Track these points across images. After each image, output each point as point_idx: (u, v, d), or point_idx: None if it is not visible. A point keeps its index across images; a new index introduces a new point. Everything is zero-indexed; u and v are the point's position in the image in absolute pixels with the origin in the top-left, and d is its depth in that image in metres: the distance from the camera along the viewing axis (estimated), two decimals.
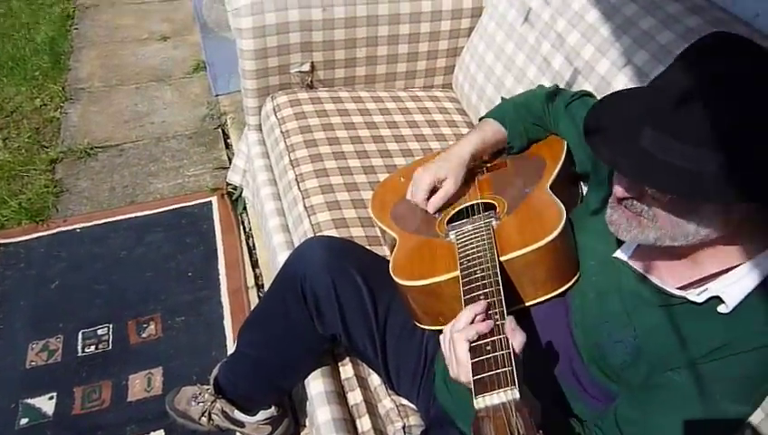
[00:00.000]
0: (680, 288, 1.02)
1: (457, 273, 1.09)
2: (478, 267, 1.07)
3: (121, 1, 3.73)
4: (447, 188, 1.35)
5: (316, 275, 1.28)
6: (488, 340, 0.92)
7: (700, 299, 0.97)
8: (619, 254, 1.10)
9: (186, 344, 1.91)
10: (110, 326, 1.96)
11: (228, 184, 2.42)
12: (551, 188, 1.26)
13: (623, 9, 1.53)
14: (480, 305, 0.97)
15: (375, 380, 1.39)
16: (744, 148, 0.86)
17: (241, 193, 2.37)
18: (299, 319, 1.31)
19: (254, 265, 2.19)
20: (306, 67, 1.99)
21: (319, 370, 1.42)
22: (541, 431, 0.78)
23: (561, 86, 1.55)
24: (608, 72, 1.50)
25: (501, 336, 0.92)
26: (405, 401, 1.35)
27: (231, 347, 1.90)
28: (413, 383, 1.32)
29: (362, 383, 1.40)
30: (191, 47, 3.33)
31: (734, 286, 0.96)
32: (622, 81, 1.45)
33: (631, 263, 1.08)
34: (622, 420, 1.02)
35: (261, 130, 2.09)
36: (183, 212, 2.37)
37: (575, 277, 1.15)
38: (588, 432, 1.07)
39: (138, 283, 2.09)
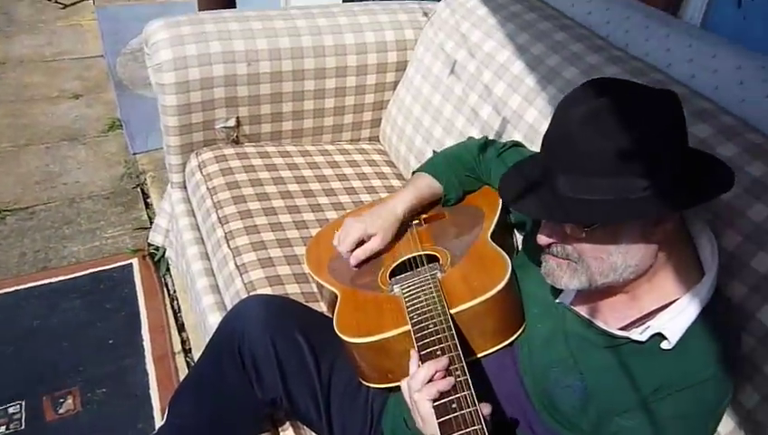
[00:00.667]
0: (622, 328, 1.03)
1: (408, 327, 1.07)
2: (430, 321, 1.05)
3: (30, 59, 3.59)
4: (373, 245, 1.34)
5: (255, 334, 1.22)
6: (452, 397, 0.91)
7: (643, 338, 0.99)
8: (562, 298, 1.11)
9: (109, 418, 1.78)
10: (23, 403, 1.80)
11: (150, 245, 2.31)
12: (491, 237, 1.26)
13: (546, 60, 1.58)
14: (441, 362, 0.96)
15: None
16: (638, 168, 0.92)
17: (164, 254, 2.27)
18: (236, 383, 1.25)
19: (180, 328, 2.08)
20: (231, 122, 1.95)
21: None
22: None
23: (491, 136, 1.57)
24: (535, 120, 1.53)
25: (465, 393, 0.91)
26: None
27: (159, 419, 1.78)
28: None
29: None
30: (106, 105, 3.23)
31: (674, 322, 0.98)
32: None
33: (574, 307, 1.09)
34: None
35: (185, 187, 2.02)
36: (101, 276, 2.24)
37: (523, 326, 1.14)
38: None
39: (53, 354, 1.94)
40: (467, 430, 0.85)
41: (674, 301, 1.00)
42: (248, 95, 1.93)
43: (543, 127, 1.49)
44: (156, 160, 2.80)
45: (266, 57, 1.90)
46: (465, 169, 1.41)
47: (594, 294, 1.07)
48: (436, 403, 0.91)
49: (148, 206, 2.60)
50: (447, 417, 0.88)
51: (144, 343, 2.00)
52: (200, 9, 2.61)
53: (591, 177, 0.93)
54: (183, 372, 1.92)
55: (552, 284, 1.04)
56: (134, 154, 2.87)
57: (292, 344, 1.23)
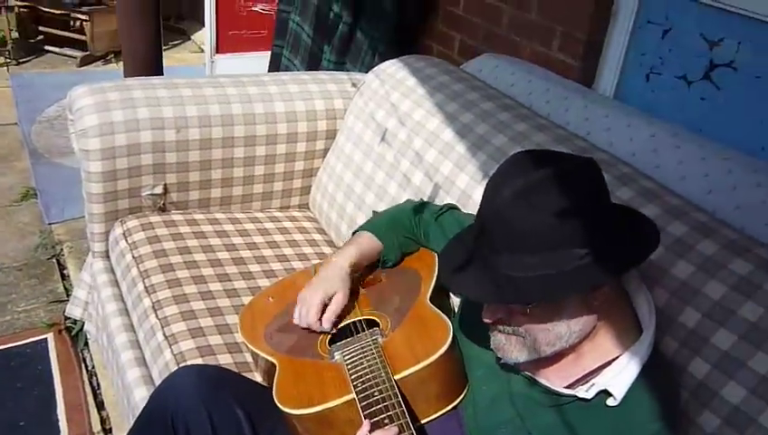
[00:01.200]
0: (568, 386, 1.05)
1: (352, 396, 1.05)
2: (375, 389, 1.03)
3: None
4: (338, 303, 1.30)
5: (189, 406, 1.16)
6: None
7: (589, 395, 1.00)
8: (505, 359, 1.11)
9: None
10: None
11: (67, 318, 2.20)
12: (429, 300, 1.27)
13: (476, 128, 1.64)
14: (391, 432, 0.94)
15: None
16: (571, 241, 0.95)
17: (82, 328, 2.15)
18: None
19: (100, 406, 1.97)
20: (159, 190, 1.91)
21: None
22: None
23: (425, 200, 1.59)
24: (467, 185, 1.57)
25: None
26: None
27: None
28: None
29: None
30: (19, 174, 3.10)
31: (618, 378, 1.00)
32: (481, 193, 1.52)
33: (519, 367, 1.10)
34: None
35: (108, 257, 1.94)
36: (12, 353, 2.10)
37: (466, 389, 1.14)
38: None
39: None
40: None
41: (615, 358, 1.03)
42: (176, 162, 1.90)
43: (476, 192, 1.55)
44: (73, 230, 2.69)
45: (196, 124, 1.89)
46: (404, 231, 1.42)
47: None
48: None
49: (64, 277, 2.48)
50: None
51: (60, 424, 1.87)
52: (126, 76, 2.58)
53: (528, 254, 0.95)
54: None
55: (502, 357, 1.06)
56: (50, 224, 2.76)
57: (229, 416, 1.18)
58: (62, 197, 2.86)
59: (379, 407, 1.00)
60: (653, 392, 1.00)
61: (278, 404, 1.11)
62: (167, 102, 1.86)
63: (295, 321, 1.31)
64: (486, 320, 1.03)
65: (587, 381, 1.03)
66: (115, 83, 1.88)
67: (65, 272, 2.52)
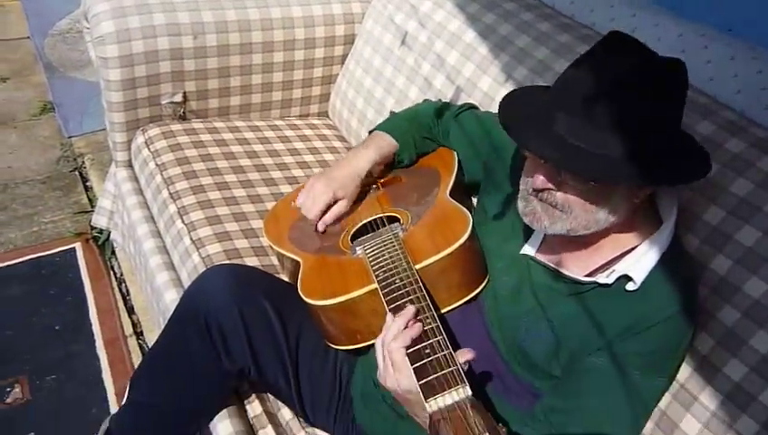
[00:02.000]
0: (588, 275, 1.06)
1: (374, 286, 1.07)
2: (396, 277, 1.06)
3: None
4: (341, 208, 1.33)
5: (221, 304, 1.20)
6: (425, 343, 0.92)
7: (609, 280, 1.02)
8: (526, 250, 1.13)
9: (60, 405, 1.72)
10: None
11: (93, 228, 2.24)
12: (450, 195, 1.28)
13: (498, 29, 1.60)
14: (409, 312, 0.97)
15: (286, 414, 1.32)
16: (649, 135, 0.94)
17: (108, 237, 2.20)
18: (204, 356, 1.22)
19: (130, 311, 2.03)
20: (178, 98, 1.90)
21: (224, 410, 1.32)
22: (500, 424, 0.76)
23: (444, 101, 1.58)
24: (490, 87, 1.55)
25: (438, 338, 0.93)
26: (320, 432, 1.29)
27: (114, 403, 1.74)
28: (329, 410, 1.27)
29: (272, 420, 1.32)
30: (35, 88, 3.10)
31: (638, 264, 1.02)
32: (503, 94, 1.50)
33: (539, 257, 1.11)
34: (548, 410, 1.05)
35: (131, 166, 1.96)
36: (42, 262, 2.16)
37: (486, 279, 1.16)
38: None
39: None
40: (443, 372, 0.86)
41: (634, 247, 1.04)
42: (195, 69, 1.88)
43: (499, 94, 1.52)
44: (93, 143, 2.71)
45: (213, 30, 1.86)
46: (422, 130, 1.41)
47: (560, 243, 1.10)
48: (409, 350, 0.92)
49: (87, 189, 2.52)
50: (422, 362, 0.89)
51: (93, 328, 1.94)
52: None
53: (613, 133, 0.93)
54: (136, 355, 1.88)
55: (528, 223, 1.05)
56: (69, 137, 2.77)
57: (259, 312, 1.22)
58: (80, 110, 2.86)
59: (400, 293, 1.02)
60: (671, 279, 1.01)
61: (303, 297, 1.14)
62: (182, 8, 1.83)
63: (298, 202, 1.36)
64: (537, 185, 1.00)
65: (606, 269, 1.05)
66: None
67: (88, 184, 2.55)
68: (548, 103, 0.99)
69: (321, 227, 1.32)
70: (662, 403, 1.16)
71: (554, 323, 1.06)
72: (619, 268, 1.02)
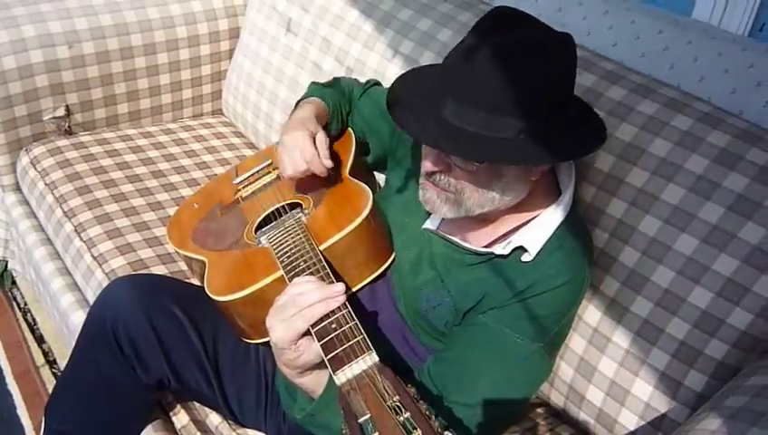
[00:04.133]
0: (486, 246, 1.08)
1: (281, 273, 1.06)
2: (300, 260, 1.05)
3: None
4: (323, 140, 1.20)
5: (129, 316, 1.15)
6: (331, 318, 0.91)
7: (505, 251, 1.04)
8: (427, 224, 1.14)
9: None
10: None
11: None
12: (351, 174, 1.27)
13: (380, 5, 1.60)
14: (337, 287, 0.95)
15: (215, 419, 1.29)
16: (537, 111, 0.93)
17: (6, 267, 2.08)
18: (118, 372, 1.17)
19: (40, 341, 1.94)
20: (61, 112, 1.81)
21: (150, 426, 1.28)
22: (409, 385, 0.77)
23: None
24: (378, 64, 1.55)
25: (343, 312, 0.92)
26: (252, 432, 1.26)
27: None
28: (258, 408, 1.24)
29: (201, 427, 1.29)
30: None
31: (534, 235, 1.04)
32: (393, 71, 1.52)
33: (440, 231, 1.13)
34: (437, 361, 1.07)
35: (19, 189, 1.86)
36: None
37: (393, 254, 1.17)
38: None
39: None
40: (349, 343, 0.86)
41: (532, 218, 1.06)
42: (75, 80, 1.80)
43: (389, 71, 1.53)
44: None
45: (89, 37, 1.78)
46: (343, 100, 1.36)
47: (459, 219, 1.11)
48: (314, 329, 0.91)
49: None
50: (328, 337, 0.88)
51: (0, 363, 1.84)
52: None
53: (496, 114, 0.92)
54: (51, 384, 1.79)
55: (430, 211, 1.06)
56: None
57: (170, 319, 1.18)
58: None
59: (305, 275, 1.01)
60: (563, 249, 1.04)
61: (210, 295, 1.12)
62: (53, 17, 1.75)
63: (287, 172, 1.20)
64: (426, 169, 1.00)
65: (503, 240, 1.07)
66: None
67: None
68: (436, 87, 0.98)
69: (329, 163, 1.19)
70: (578, 349, 1.20)
71: (452, 292, 1.08)
72: (515, 240, 1.04)
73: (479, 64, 0.92)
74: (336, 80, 1.44)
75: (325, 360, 0.86)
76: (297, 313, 0.92)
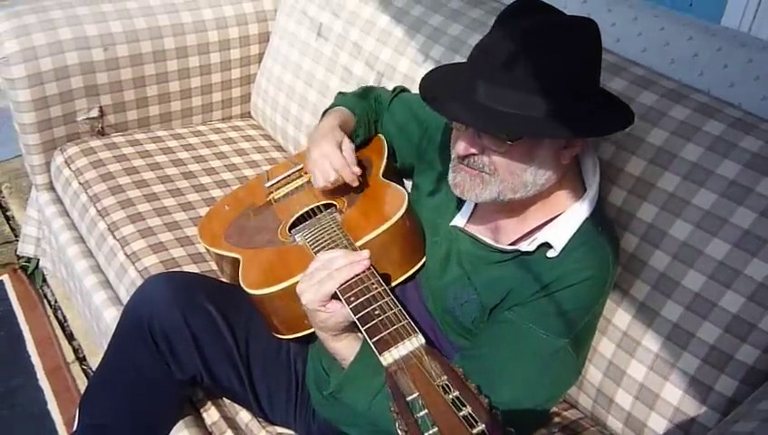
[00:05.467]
0: (512, 243, 1.09)
1: None
2: None
3: None
4: (349, 148, 1.25)
5: (164, 313, 1.18)
6: (375, 305, 0.94)
7: (531, 248, 1.05)
8: (456, 221, 1.16)
9: None
10: None
11: (20, 257, 2.16)
12: (383, 176, 1.29)
13: (411, 11, 1.62)
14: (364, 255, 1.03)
15: (244, 416, 1.30)
16: (567, 90, 0.96)
17: (37, 265, 2.12)
18: (153, 368, 1.20)
19: (70, 338, 1.97)
20: (95, 113, 1.85)
21: (181, 421, 1.30)
22: (457, 365, 0.78)
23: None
24: (409, 69, 1.57)
25: (386, 299, 0.95)
26: (282, 429, 1.28)
27: (63, 433, 1.68)
28: (288, 406, 1.26)
29: (231, 424, 1.31)
30: None
31: (559, 232, 1.05)
32: (422, 74, 1.52)
33: (467, 228, 1.14)
34: (463, 358, 1.08)
35: (53, 188, 1.89)
36: None
37: (425, 256, 1.19)
38: None
39: None
40: (394, 327, 0.89)
41: (558, 214, 1.07)
42: (108, 82, 1.83)
43: (418, 75, 1.54)
44: (9, 171, 2.60)
45: (123, 40, 1.82)
46: (371, 109, 1.40)
47: (488, 213, 1.13)
48: (360, 314, 0.95)
49: (9, 219, 2.41)
50: (373, 322, 0.92)
51: (32, 359, 1.87)
52: None
53: (527, 92, 0.94)
54: (81, 381, 1.82)
55: (459, 195, 1.07)
56: None
57: (204, 316, 1.20)
58: None
59: None
60: (588, 244, 1.05)
61: (246, 289, 1.13)
62: (89, 20, 1.78)
63: (319, 183, 1.25)
64: (460, 151, 1.01)
65: (529, 237, 1.08)
66: (30, 6, 1.78)
67: (9, 214, 2.44)
68: (467, 74, 1.00)
69: (357, 170, 1.22)
70: (607, 352, 1.21)
71: (479, 289, 1.09)
72: (541, 236, 1.05)
73: (505, 45, 0.94)
74: (363, 89, 1.47)
75: (370, 343, 0.89)
76: (326, 275, 1.01)
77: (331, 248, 1.09)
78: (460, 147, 1.01)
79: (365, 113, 1.38)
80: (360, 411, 1.05)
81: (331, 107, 1.41)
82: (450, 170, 1.07)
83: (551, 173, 1.03)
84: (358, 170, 1.23)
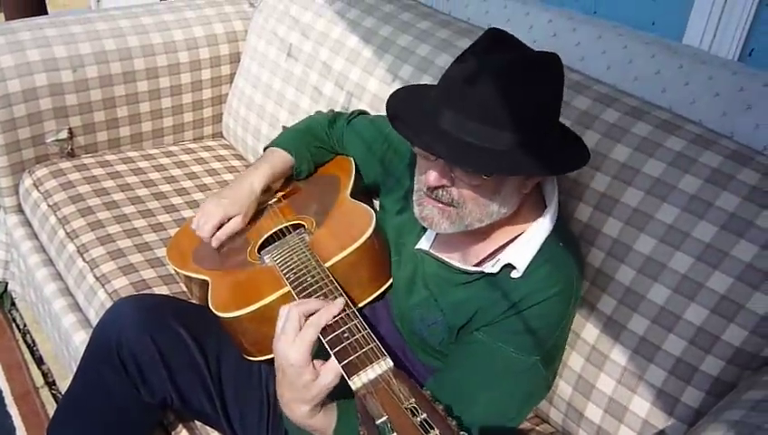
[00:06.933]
0: (477, 264, 1.10)
1: (287, 289, 1.08)
2: (308, 275, 1.07)
3: None
4: (234, 225, 1.33)
5: (133, 336, 1.17)
6: (343, 328, 0.94)
7: (495, 269, 1.06)
8: (421, 244, 1.16)
9: None
10: None
11: None
12: (351, 196, 1.30)
13: (380, 31, 1.64)
14: (338, 304, 0.99)
15: None
16: (536, 125, 0.98)
17: (5, 288, 2.09)
18: (122, 391, 1.18)
19: (39, 362, 1.94)
20: (64, 134, 1.84)
21: None
22: (424, 388, 0.78)
23: (337, 109, 1.60)
24: (378, 89, 1.58)
25: (355, 321, 0.96)
26: None
27: None
28: (260, 428, 1.25)
29: None
30: None
31: (521, 252, 1.06)
32: (389, 93, 1.54)
33: (432, 251, 1.15)
34: (435, 382, 1.08)
35: (21, 211, 1.87)
36: None
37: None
38: None
39: None
40: (363, 350, 0.89)
41: (521, 233, 1.09)
42: (78, 103, 1.83)
43: (386, 94, 1.53)
44: None
45: (92, 61, 1.81)
46: (316, 141, 1.43)
47: (450, 238, 1.13)
48: (327, 339, 0.94)
49: None
50: (341, 345, 0.91)
51: (0, 384, 1.84)
52: (8, 19, 2.43)
53: (491, 125, 0.95)
54: (50, 406, 1.79)
55: (428, 227, 1.08)
56: None
57: (174, 338, 1.19)
58: None
59: (313, 289, 1.04)
60: (553, 261, 1.06)
61: (215, 312, 1.13)
62: (58, 41, 1.78)
63: (192, 226, 1.35)
64: (431, 182, 1.01)
65: (493, 258, 1.09)
66: None
67: None
68: (434, 100, 1.01)
69: (215, 243, 1.31)
70: (577, 366, 1.22)
71: (445, 311, 1.10)
72: (504, 258, 1.06)
73: (479, 79, 0.95)
74: (310, 118, 1.50)
75: (339, 366, 0.88)
76: (304, 325, 0.95)
77: (301, 270, 1.09)
78: (431, 177, 1.01)
79: (305, 151, 1.42)
80: None
81: (272, 143, 1.44)
82: (416, 203, 1.08)
83: (515, 201, 1.05)
84: (215, 244, 1.32)
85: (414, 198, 1.09)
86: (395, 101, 1.10)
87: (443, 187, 1.02)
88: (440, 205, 1.04)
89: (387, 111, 1.08)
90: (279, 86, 1.83)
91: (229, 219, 1.32)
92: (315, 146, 1.43)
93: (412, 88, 1.17)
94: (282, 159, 1.41)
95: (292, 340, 0.95)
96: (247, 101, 1.94)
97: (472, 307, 1.08)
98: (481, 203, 1.02)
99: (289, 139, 1.44)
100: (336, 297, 1.02)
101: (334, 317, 0.97)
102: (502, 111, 0.95)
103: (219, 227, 1.32)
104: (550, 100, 1.01)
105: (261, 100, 1.89)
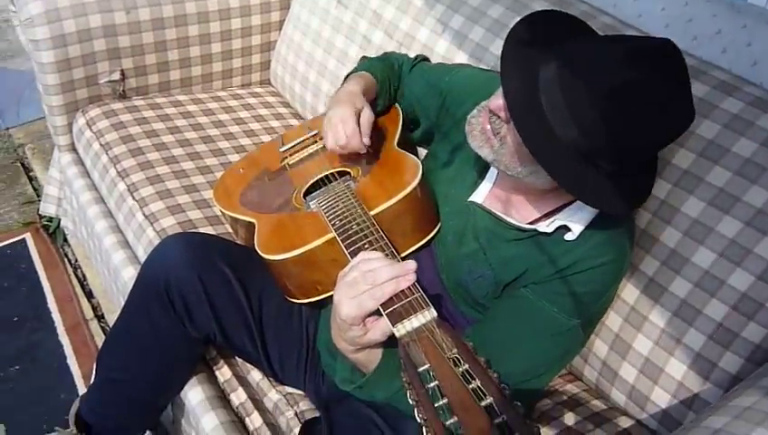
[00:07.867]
0: (530, 223, 1.10)
1: (332, 235, 1.09)
2: (353, 223, 1.08)
3: None
4: (369, 116, 1.24)
5: (181, 274, 1.20)
6: None
7: (549, 229, 1.06)
8: (474, 197, 1.16)
9: (27, 394, 1.71)
10: None
11: (42, 217, 2.20)
12: (398, 146, 1.30)
13: None
14: (373, 255, 0.97)
15: (256, 376, 1.34)
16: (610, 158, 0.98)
17: (59, 224, 2.17)
18: (168, 325, 1.22)
19: (89, 296, 2.01)
20: (116, 76, 1.87)
21: (194, 378, 1.34)
22: (467, 339, 0.79)
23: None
24: (428, 39, 1.57)
25: None
26: (291, 390, 1.31)
27: (81, 386, 1.73)
28: (298, 368, 1.29)
29: (243, 382, 1.34)
30: None
31: (578, 215, 1.05)
32: (443, 45, 1.54)
33: (485, 205, 1.14)
34: (475, 330, 1.10)
35: (75, 149, 1.92)
36: None
37: (438, 224, 1.19)
38: None
39: None
40: (407, 299, 0.89)
41: (575, 200, 1.07)
42: (130, 45, 1.85)
43: (437, 45, 1.55)
44: (33, 132, 2.64)
45: (145, 3, 1.83)
46: (393, 76, 1.39)
47: (505, 193, 1.13)
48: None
49: (32, 179, 2.46)
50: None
51: (53, 315, 1.92)
52: None
53: (582, 130, 0.95)
54: (99, 338, 1.87)
55: (466, 133, 1.08)
56: (6, 129, 2.70)
57: (220, 278, 1.23)
58: (14, 100, 2.79)
59: (358, 237, 1.04)
60: (608, 230, 1.05)
61: (261, 254, 1.15)
62: None
63: (328, 144, 1.24)
64: (492, 106, 1.02)
65: (548, 218, 1.08)
66: None
67: (32, 174, 2.49)
68: (550, 62, 0.98)
69: (366, 140, 1.22)
70: (614, 326, 1.22)
71: (494, 265, 1.10)
72: (560, 218, 1.06)
73: (601, 91, 0.93)
74: (386, 54, 1.46)
75: (384, 313, 0.89)
76: (367, 290, 0.91)
77: (346, 217, 1.10)
78: (496, 103, 1.01)
79: (387, 80, 1.37)
80: (378, 398, 1.07)
81: (354, 71, 1.40)
82: (476, 109, 1.08)
83: (543, 181, 1.04)
84: (368, 141, 1.23)
85: (476, 108, 1.09)
86: (524, 25, 1.06)
87: (499, 117, 1.02)
88: (488, 127, 1.04)
89: (512, 29, 1.04)
90: (328, 34, 1.82)
91: (359, 114, 1.24)
92: (392, 80, 1.39)
93: (548, 16, 1.09)
94: (367, 79, 1.35)
95: (350, 298, 0.92)
96: (296, 48, 1.94)
97: (521, 265, 1.08)
98: (515, 156, 1.02)
99: (372, 66, 1.39)
100: (380, 243, 1.03)
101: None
102: (590, 125, 0.94)
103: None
104: (661, 142, 1.00)
105: (310, 47, 1.89)
